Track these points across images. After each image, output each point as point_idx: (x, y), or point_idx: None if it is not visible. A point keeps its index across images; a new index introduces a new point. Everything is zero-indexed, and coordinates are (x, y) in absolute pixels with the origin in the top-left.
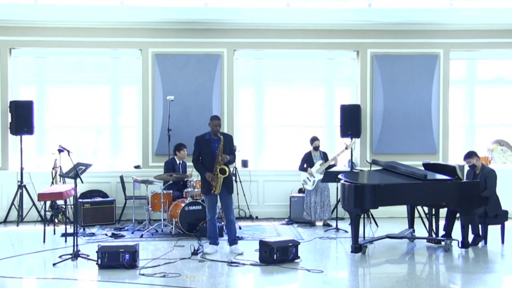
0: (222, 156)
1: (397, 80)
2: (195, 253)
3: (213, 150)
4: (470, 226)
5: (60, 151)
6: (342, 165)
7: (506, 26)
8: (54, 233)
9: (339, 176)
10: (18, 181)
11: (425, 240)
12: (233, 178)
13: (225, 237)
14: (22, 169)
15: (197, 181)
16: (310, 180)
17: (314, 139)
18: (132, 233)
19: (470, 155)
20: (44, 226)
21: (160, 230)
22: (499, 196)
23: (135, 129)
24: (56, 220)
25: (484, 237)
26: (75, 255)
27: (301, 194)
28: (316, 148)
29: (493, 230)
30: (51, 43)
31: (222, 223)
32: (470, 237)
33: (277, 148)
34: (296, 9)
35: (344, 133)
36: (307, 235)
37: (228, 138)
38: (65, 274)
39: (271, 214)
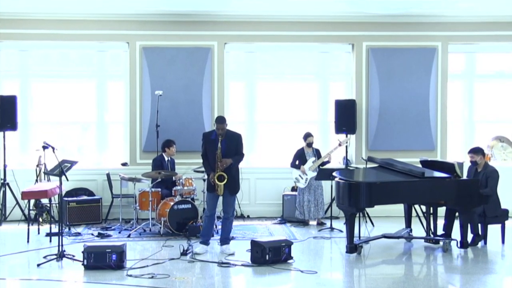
0: (222, 161)
1: (394, 74)
2: (184, 253)
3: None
4: (469, 225)
5: (44, 147)
6: (336, 162)
7: (507, 18)
8: (39, 233)
9: (334, 173)
10: (1, 179)
11: (423, 240)
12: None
13: (216, 236)
14: (5, 166)
15: (186, 179)
16: (302, 178)
17: (308, 135)
18: (119, 232)
19: (476, 151)
20: (28, 226)
21: (148, 229)
22: (499, 195)
23: (122, 125)
24: (41, 219)
25: (484, 237)
26: (60, 255)
27: (294, 193)
28: (310, 145)
29: (493, 230)
30: (35, 36)
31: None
32: (469, 236)
33: (269, 145)
34: (289, 0)
35: (338, 129)
36: (300, 235)
37: (235, 138)
38: (50, 275)
39: (263, 213)
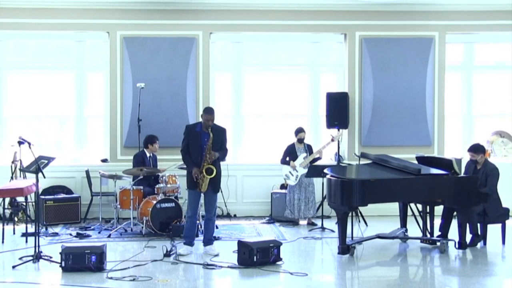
0: (211, 153)
1: (388, 66)
2: (167, 254)
3: (202, 144)
4: (468, 225)
5: (20, 143)
6: (328, 159)
7: (507, 7)
8: (14, 233)
9: (325, 170)
10: None
11: (419, 241)
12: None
13: (201, 237)
14: None
15: (170, 176)
16: (292, 175)
17: (299, 131)
18: (99, 232)
19: (477, 149)
20: (3, 225)
21: (130, 229)
22: (499, 193)
23: (102, 119)
24: (16, 219)
25: (483, 237)
26: (37, 256)
27: (283, 190)
28: (301, 141)
29: (493, 230)
30: (10, 25)
31: (198, 221)
32: (468, 237)
33: (257, 140)
34: None
35: (330, 124)
36: (290, 235)
37: (221, 132)
38: (26, 278)
39: (250, 212)
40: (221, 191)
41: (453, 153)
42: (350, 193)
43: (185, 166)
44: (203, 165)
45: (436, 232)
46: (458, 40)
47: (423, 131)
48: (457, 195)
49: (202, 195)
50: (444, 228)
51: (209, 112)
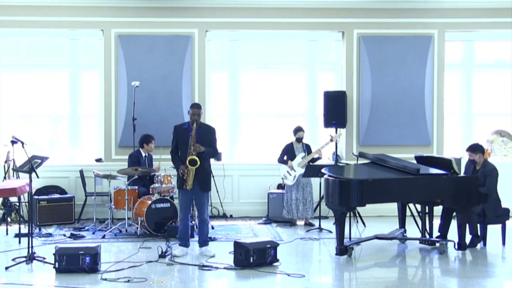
0: (195, 145)
1: (387, 64)
2: (162, 255)
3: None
4: (467, 225)
5: (13, 142)
6: (326, 158)
7: (507, 4)
8: (7, 234)
9: (323, 170)
10: None
11: (418, 241)
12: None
13: (196, 237)
14: None
15: (165, 176)
16: (290, 175)
17: (298, 130)
18: (93, 233)
19: (475, 149)
20: None
21: (124, 230)
22: (499, 193)
23: (97, 118)
24: (9, 219)
25: (483, 238)
26: (30, 257)
27: (280, 190)
28: (299, 140)
29: (493, 231)
30: (3, 23)
31: (193, 222)
32: (468, 238)
33: (254, 139)
34: None
35: (328, 123)
36: (287, 236)
37: (209, 131)
38: (19, 279)
39: (247, 213)
40: (217, 191)
41: (453, 153)
42: (348, 193)
43: None
44: (187, 158)
45: (435, 233)
46: (458, 38)
47: (422, 130)
48: (457, 195)
49: (194, 196)
50: (444, 228)
51: (195, 106)
